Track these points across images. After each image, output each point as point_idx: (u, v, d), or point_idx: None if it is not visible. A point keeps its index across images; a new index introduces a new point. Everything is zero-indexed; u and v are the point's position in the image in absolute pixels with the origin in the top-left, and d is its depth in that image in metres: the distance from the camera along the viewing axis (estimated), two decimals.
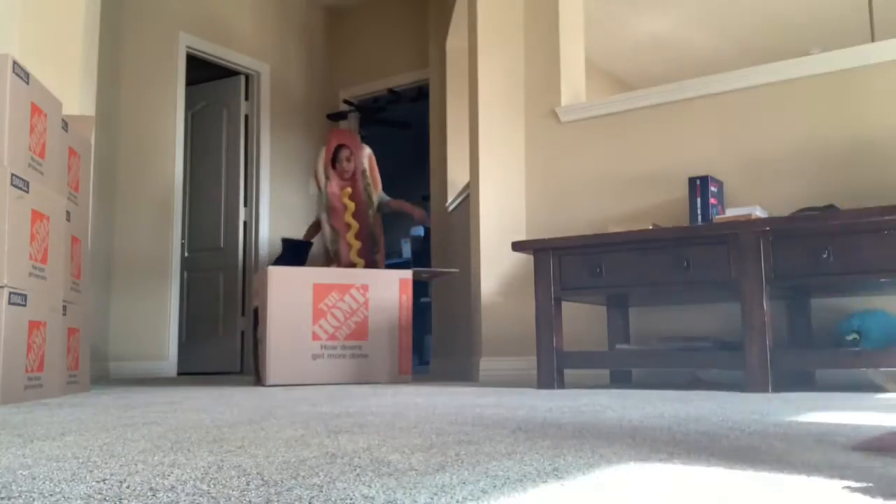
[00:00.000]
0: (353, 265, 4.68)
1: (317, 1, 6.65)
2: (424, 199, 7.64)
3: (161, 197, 5.28)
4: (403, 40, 6.33)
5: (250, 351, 5.80)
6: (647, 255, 2.91)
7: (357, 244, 4.75)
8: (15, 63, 2.50)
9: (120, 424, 1.63)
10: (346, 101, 6.62)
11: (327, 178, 4.80)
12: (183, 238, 5.70)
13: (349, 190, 4.78)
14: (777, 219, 2.70)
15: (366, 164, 4.82)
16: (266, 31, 6.16)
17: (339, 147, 4.83)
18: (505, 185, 4.11)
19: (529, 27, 4.21)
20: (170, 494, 0.81)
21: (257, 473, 0.95)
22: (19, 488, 0.85)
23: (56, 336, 2.77)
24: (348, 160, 4.79)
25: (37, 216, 2.60)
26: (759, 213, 2.95)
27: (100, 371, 4.65)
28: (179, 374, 5.35)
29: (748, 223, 2.71)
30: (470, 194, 4.33)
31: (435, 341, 5.69)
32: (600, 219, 3.80)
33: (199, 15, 5.65)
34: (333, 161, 4.79)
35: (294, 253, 4.95)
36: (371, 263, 4.75)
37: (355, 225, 4.73)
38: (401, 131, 8.00)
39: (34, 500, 0.79)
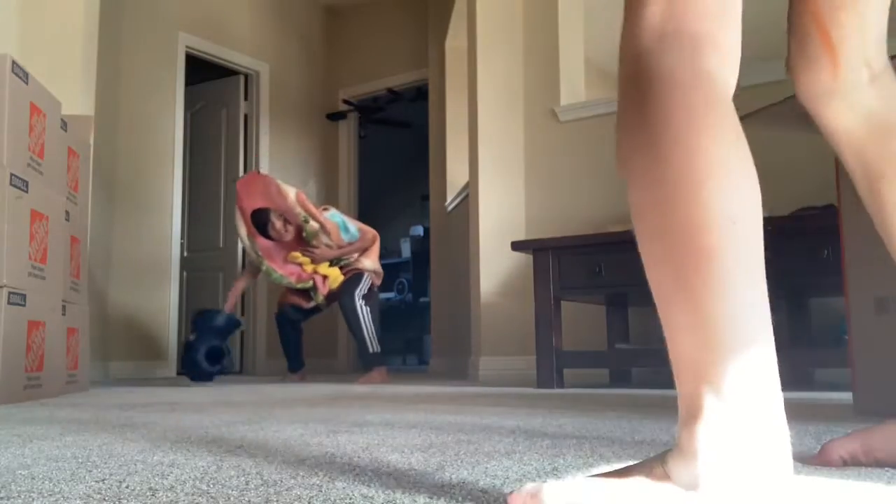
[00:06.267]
0: (334, 295, 4.10)
1: (316, 1, 6.64)
2: (424, 199, 7.64)
3: (160, 197, 5.28)
4: (403, 40, 6.33)
5: (250, 351, 5.80)
6: None
7: (336, 272, 4.10)
8: (14, 63, 2.50)
9: (119, 424, 1.63)
10: (345, 101, 6.62)
11: (256, 253, 4.06)
12: (183, 238, 5.70)
13: (297, 254, 4.08)
14: (777, 218, 2.70)
15: (300, 212, 3.99)
16: (265, 30, 6.16)
17: (259, 212, 4.00)
18: (504, 185, 4.11)
19: (529, 27, 4.21)
20: (169, 494, 0.81)
21: (256, 473, 0.94)
22: (19, 488, 0.85)
23: (55, 336, 2.76)
24: (279, 219, 3.99)
25: (36, 216, 2.60)
26: None
27: (99, 371, 4.65)
28: (179, 374, 5.34)
29: None
30: (469, 194, 4.33)
31: (434, 341, 5.70)
32: (600, 218, 3.80)
33: (198, 15, 5.65)
34: (262, 230, 4.01)
35: (210, 331, 4.06)
36: (349, 271, 4.11)
37: (323, 265, 4.10)
38: (400, 131, 8.00)
39: (33, 499, 0.79)
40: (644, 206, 0.66)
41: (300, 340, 4.27)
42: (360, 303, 4.00)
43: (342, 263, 4.13)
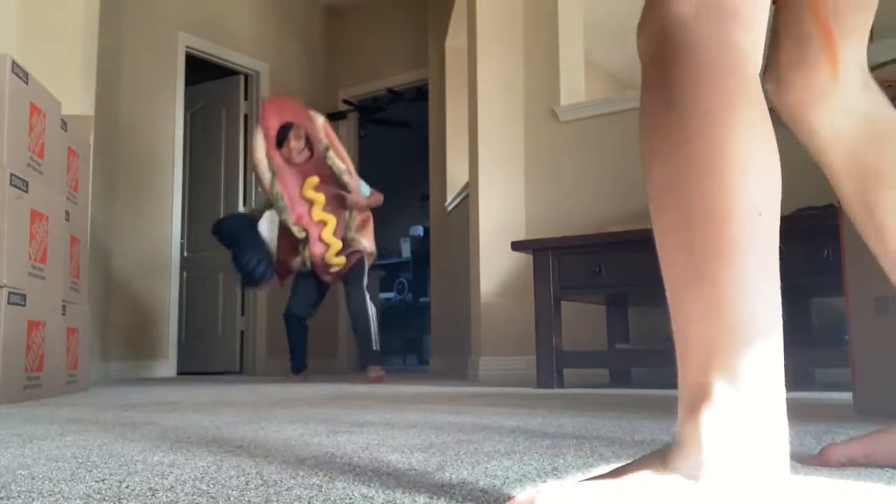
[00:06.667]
0: (328, 268, 3.97)
1: (316, 1, 6.64)
2: (424, 199, 7.64)
3: (160, 197, 5.28)
4: (403, 40, 6.33)
5: (250, 351, 5.80)
6: (647, 255, 2.90)
7: (337, 244, 3.92)
8: (14, 63, 2.50)
9: (119, 424, 1.63)
10: (345, 101, 6.62)
11: (273, 172, 3.87)
12: (183, 238, 5.70)
13: (313, 180, 3.92)
14: None
15: (323, 139, 3.91)
16: (265, 30, 6.16)
17: (284, 126, 3.89)
18: (504, 185, 4.11)
19: (529, 26, 4.21)
20: (169, 494, 0.81)
21: (256, 473, 0.94)
22: (18, 488, 0.85)
23: (55, 336, 2.76)
24: (298, 139, 3.89)
25: (36, 216, 2.60)
26: None
27: (99, 371, 4.65)
28: (179, 374, 5.35)
29: None
30: (469, 194, 4.33)
31: (434, 341, 5.70)
32: (600, 218, 3.80)
33: (198, 15, 5.65)
34: (279, 145, 3.90)
35: (240, 238, 3.90)
36: (350, 254, 3.98)
37: (331, 219, 3.92)
38: (400, 131, 8.00)
39: (33, 499, 0.79)
40: (664, 190, 0.63)
41: (306, 340, 4.20)
42: (368, 298, 3.96)
43: (346, 238, 3.97)
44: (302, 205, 3.91)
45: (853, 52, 0.87)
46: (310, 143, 3.90)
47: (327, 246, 3.89)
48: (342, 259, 3.93)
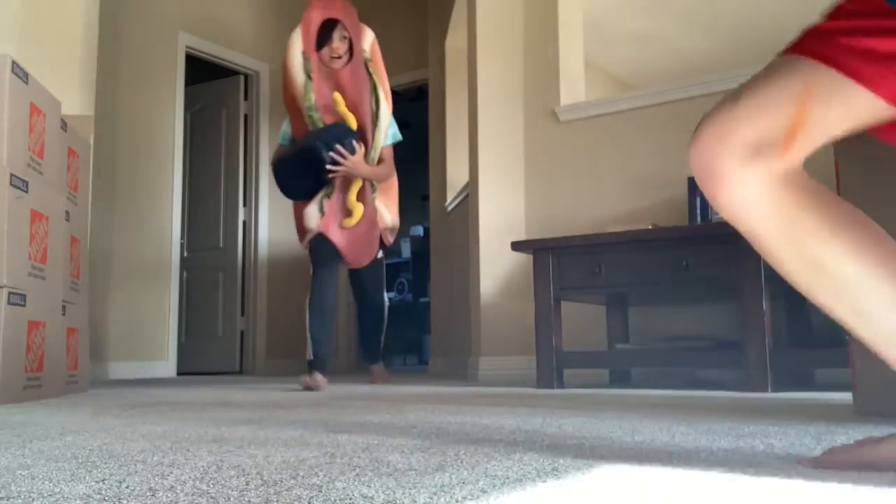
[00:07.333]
0: (348, 214, 3.40)
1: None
2: (424, 199, 7.64)
3: (160, 197, 5.28)
4: (403, 40, 6.33)
5: (250, 351, 5.80)
6: (647, 255, 2.91)
7: (358, 181, 3.37)
8: (14, 63, 2.50)
9: (119, 424, 1.63)
10: None
11: (308, 75, 3.29)
12: (182, 238, 5.70)
13: (339, 97, 3.33)
14: None
15: (369, 53, 3.38)
16: (265, 30, 6.16)
17: (326, 25, 3.33)
18: (504, 185, 4.11)
19: (529, 27, 4.21)
20: (169, 494, 0.81)
21: (256, 473, 0.95)
22: (18, 488, 0.85)
23: (55, 336, 2.76)
24: (342, 39, 3.33)
25: (36, 216, 2.60)
26: None
27: (99, 371, 4.65)
28: (179, 374, 5.35)
29: None
30: (469, 194, 4.33)
31: (434, 341, 5.70)
32: (600, 219, 3.80)
33: (198, 15, 5.65)
34: (318, 47, 3.32)
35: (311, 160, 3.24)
36: (373, 211, 3.43)
37: (356, 181, 3.39)
38: (400, 131, 7.99)
39: (33, 500, 0.79)
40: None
41: (332, 330, 3.49)
42: (387, 304, 3.80)
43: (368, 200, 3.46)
44: (336, 116, 3.38)
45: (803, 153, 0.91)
46: (352, 49, 3.36)
47: (349, 212, 3.40)
48: (360, 208, 3.39)
